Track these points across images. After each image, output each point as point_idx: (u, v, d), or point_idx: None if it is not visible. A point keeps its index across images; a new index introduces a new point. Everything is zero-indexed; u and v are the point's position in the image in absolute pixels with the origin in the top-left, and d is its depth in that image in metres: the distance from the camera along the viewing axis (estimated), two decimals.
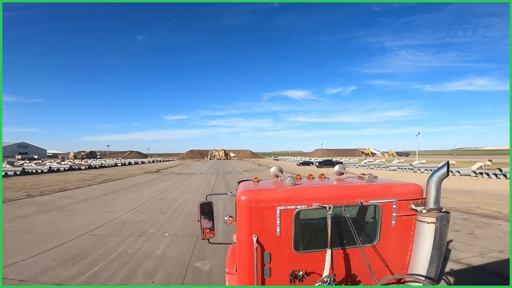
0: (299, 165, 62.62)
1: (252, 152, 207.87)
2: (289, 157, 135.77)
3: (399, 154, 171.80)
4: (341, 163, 57.33)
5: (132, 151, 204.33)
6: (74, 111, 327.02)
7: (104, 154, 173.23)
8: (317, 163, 51.59)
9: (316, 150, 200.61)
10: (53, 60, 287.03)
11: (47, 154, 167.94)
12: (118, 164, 72.73)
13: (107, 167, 63.17)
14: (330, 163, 54.68)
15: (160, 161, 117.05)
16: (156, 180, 29.85)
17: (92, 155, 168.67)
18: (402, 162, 56.59)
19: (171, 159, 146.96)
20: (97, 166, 60.00)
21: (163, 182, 27.59)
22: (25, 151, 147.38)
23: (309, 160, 74.41)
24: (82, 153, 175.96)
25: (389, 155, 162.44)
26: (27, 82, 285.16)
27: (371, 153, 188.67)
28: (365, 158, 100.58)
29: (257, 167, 56.70)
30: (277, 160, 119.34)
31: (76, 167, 53.25)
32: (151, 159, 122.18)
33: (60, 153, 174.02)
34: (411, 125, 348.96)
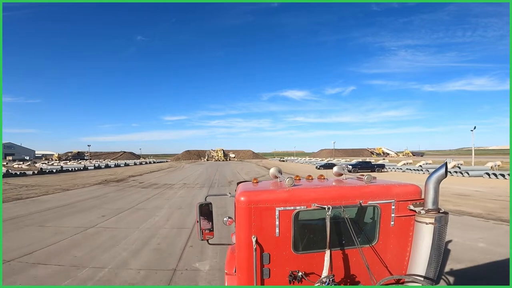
0: (319, 169, 48.13)
1: (254, 152, 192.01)
2: (296, 158, 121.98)
3: (414, 154, 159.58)
4: (383, 166, 42.69)
5: (125, 152, 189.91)
6: (72, 112, 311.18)
7: (95, 155, 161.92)
8: (350, 167, 36.98)
9: (322, 150, 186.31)
10: (51, 60, 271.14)
11: (36, 155, 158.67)
12: (90, 168, 57.83)
13: (71, 171, 48.44)
14: (368, 166, 39.97)
15: (151, 162, 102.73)
16: (77, 206, 15.21)
17: (80, 156, 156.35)
18: (462, 164, 42.14)
19: (165, 160, 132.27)
20: (54, 171, 45.17)
21: (79, 215, 13.03)
22: (11, 152, 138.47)
23: (332, 162, 59.50)
24: (69, 154, 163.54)
25: (403, 155, 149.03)
26: (24, 83, 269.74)
27: (383, 153, 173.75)
28: (383, 159, 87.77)
29: (267, 172, 41.97)
30: (284, 161, 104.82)
31: (18, 172, 38.55)
32: (137, 161, 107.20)
33: (49, 154, 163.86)
34: (410, 125, 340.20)
